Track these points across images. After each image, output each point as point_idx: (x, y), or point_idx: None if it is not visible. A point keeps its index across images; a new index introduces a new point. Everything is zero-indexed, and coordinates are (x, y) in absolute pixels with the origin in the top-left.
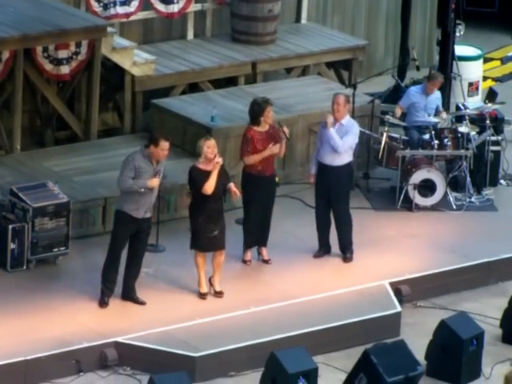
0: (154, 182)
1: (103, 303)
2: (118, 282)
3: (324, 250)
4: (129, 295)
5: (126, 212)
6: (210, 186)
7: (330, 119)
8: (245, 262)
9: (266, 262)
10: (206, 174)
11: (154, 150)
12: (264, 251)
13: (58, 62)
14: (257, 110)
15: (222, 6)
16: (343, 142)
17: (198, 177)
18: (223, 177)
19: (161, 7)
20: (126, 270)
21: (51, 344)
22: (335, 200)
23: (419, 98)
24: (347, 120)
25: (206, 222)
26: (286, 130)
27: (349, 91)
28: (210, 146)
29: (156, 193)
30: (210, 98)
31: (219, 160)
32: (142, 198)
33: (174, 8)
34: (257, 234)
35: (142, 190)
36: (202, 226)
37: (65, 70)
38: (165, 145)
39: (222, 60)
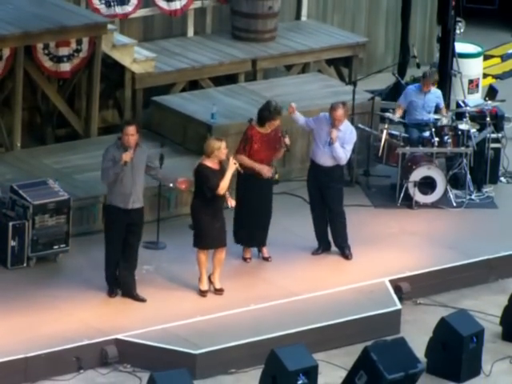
0: (125, 155)
1: (111, 293)
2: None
3: (323, 247)
4: (128, 291)
5: (114, 205)
6: (225, 186)
7: (335, 134)
8: (245, 259)
9: (266, 259)
10: (216, 173)
11: (122, 137)
12: (264, 249)
13: (58, 60)
14: (266, 115)
15: (222, 3)
16: (345, 154)
17: (210, 175)
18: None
19: (163, 4)
20: (122, 264)
21: (51, 341)
22: (329, 198)
23: (417, 97)
24: (345, 125)
25: (210, 220)
26: (287, 141)
27: (349, 88)
28: (225, 148)
29: (141, 182)
30: (210, 95)
31: (236, 162)
32: (127, 187)
33: (177, 5)
34: (250, 233)
35: (119, 170)
36: (207, 223)
37: (65, 67)
38: (128, 129)
39: (222, 57)
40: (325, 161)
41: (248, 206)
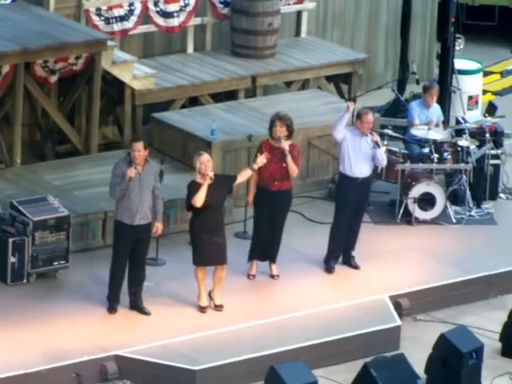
0: (130, 171)
1: (111, 309)
2: (123, 292)
3: (334, 261)
4: (136, 304)
5: (121, 221)
6: (198, 199)
7: (376, 137)
8: (248, 276)
9: (272, 277)
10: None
11: (130, 152)
12: (273, 266)
13: (51, 72)
14: (270, 119)
15: (222, 19)
16: (385, 155)
17: (193, 190)
18: (221, 187)
19: (160, 21)
20: (130, 280)
21: (51, 357)
22: (362, 211)
23: (420, 112)
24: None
25: (207, 236)
26: (283, 145)
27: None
28: (202, 162)
29: (149, 198)
30: (210, 111)
31: (209, 173)
32: (134, 204)
33: (174, 22)
34: (262, 250)
35: (125, 187)
36: (203, 240)
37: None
38: (135, 145)
39: (222, 74)
40: (362, 171)
41: (262, 218)
